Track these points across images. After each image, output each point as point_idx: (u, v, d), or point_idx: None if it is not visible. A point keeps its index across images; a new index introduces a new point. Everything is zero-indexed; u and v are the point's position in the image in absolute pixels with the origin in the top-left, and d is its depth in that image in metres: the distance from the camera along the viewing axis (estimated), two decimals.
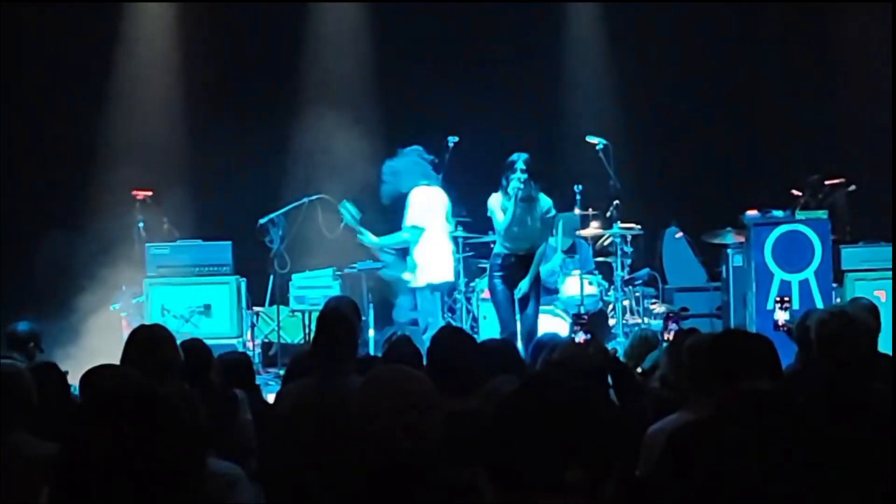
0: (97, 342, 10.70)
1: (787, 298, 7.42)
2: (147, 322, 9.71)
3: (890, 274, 9.91)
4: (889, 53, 11.77)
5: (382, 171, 9.96)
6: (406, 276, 9.91)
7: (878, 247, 10.14)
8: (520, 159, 9.10)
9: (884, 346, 6.66)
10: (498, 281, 9.28)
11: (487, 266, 9.60)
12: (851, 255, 10.07)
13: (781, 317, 6.93)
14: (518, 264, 9.24)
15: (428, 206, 9.80)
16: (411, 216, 9.77)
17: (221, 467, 3.69)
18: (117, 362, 5.20)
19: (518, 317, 9.27)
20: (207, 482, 3.34)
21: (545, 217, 9.29)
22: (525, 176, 9.05)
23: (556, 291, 10.84)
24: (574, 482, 2.25)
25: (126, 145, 12.25)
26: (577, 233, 11.08)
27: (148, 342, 4.84)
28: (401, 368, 3.49)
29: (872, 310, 6.36)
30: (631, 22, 12.70)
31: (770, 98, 12.71)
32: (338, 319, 5.42)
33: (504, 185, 9.13)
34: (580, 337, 5.84)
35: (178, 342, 4.98)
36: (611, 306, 10.77)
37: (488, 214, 9.32)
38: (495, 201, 9.20)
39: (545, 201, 9.27)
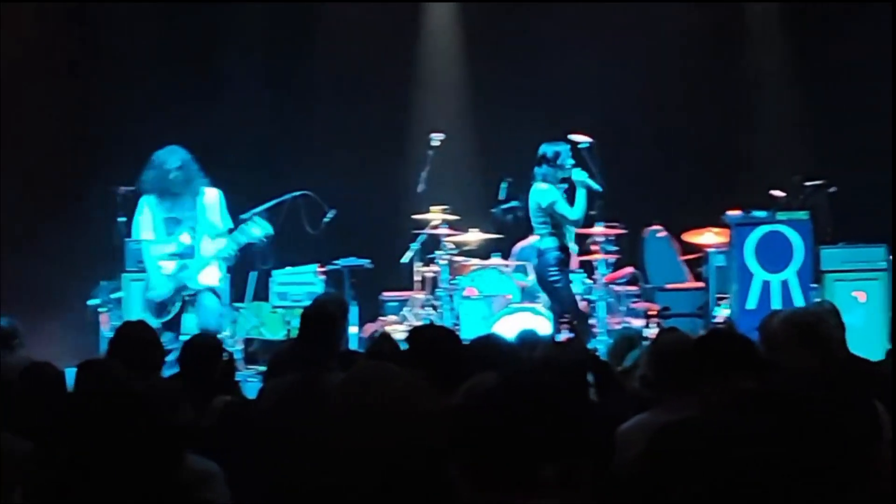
0: (75, 337, 10.68)
1: (725, 295, 7.48)
2: (125, 318, 9.74)
3: (869, 275, 10.00)
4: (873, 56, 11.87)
5: (167, 162, 8.97)
6: (208, 278, 9.12)
7: (858, 248, 10.21)
8: (566, 150, 9.15)
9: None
10: (563, 275, 9.24)
11: (551, 261, 9.30)
12: (831, 256, 10.12)
13: (721, 313, 6.99)
14: (568, 257, 9.33)
15: None
16: (223, 217, 9.13)
17: (198, 463, 3.69)
18: (100, 358, 5.20)
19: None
20: (183, 477, 3.33)
21: None
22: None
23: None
24: (549, 479, 2.26)
25: (108, 140, 12.21)
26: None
27: (133, 339, 4.84)
28: (383, 365, 3.49)
29: (835, 313, 6.37)
30: (612, 20, 12.70)
31: (753, 98, 12.74)
32: (322, 316, 5.42)
33: (549, 176, 9.09)
34: (562, 335, 5.84)
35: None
36: (593, 305, 10.77)
37: (544, 206, 9.13)
38: (552, 192, 9.10)
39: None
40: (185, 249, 9.04)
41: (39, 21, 12.11)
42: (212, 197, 9.10)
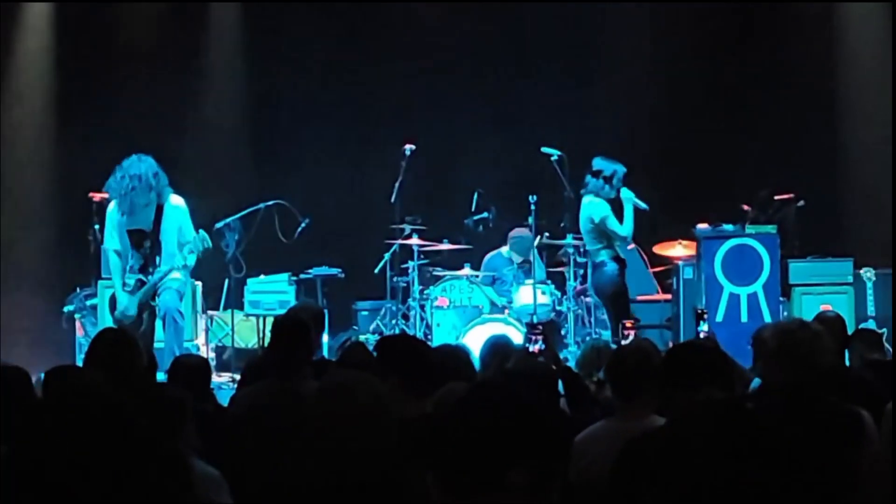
0: (50, 343, 10.65)
1: (705, 311, 7.56)
2: (101, 325, 9.72)
3: (836, 289, 10.15)
4: (831, 62, 12.00)
5: (132, 169, 8.72)
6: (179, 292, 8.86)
7: (826, 262, 10.34)
8: (622, 171, 9.43)
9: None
10: (625, 287, 9.50)
11: (611, 273, 9.49)
12: (799, 270, 10.25)
13: (702, 329, 7.09)
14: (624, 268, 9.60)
15: None
16: (187, 226, 8.91)
17: (207, 470, 3.72)
18: (70, 364, 5.22)
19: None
20: (198, 484, 3.38)
21: None
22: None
23: (510, 301, 10.91)
24: (516, 484, 2.30)
25: (82, 147, 12.18)
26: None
27: (113, 345, 4.85)
28: (356, 374, 3.53)
29: (835, 323, 6.50)
30: (585, 30, 12.77)
31: (722, 112, 12.83)
32: (294, 324, 5.46)
33: (602, 192, 9.29)
34: (534, 346, 5.89)
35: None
36: (563, 316, 10.85)
37: (596, 221, 9.32)
38: (604, 207, 9.28)
39: None
40: (146, 263, 8.86)
41: (18, 24, 12.10)
42: (177, 205, 8.97)
